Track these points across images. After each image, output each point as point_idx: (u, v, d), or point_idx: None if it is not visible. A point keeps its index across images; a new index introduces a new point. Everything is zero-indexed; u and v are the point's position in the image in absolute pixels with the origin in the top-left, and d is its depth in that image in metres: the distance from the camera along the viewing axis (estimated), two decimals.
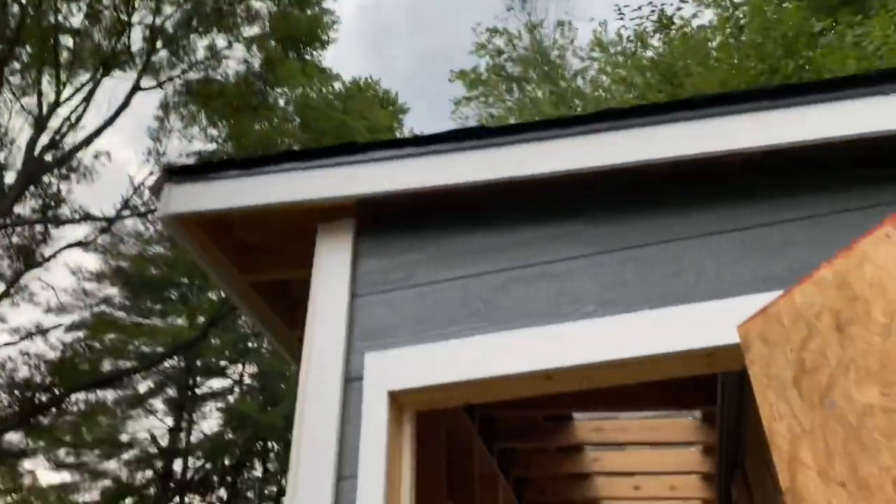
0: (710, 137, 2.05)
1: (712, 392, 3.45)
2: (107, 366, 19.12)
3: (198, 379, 23.19)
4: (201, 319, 20.13)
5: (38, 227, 16.04)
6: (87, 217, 16.34)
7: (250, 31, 17.02)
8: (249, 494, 23.41)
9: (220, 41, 16.96)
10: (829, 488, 1.43)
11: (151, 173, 16.41)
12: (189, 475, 22.14)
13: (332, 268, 2.31)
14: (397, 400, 2.10)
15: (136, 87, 16.05)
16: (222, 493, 22.71)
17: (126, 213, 16.61)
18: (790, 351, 1.58)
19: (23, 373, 16.53)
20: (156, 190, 2.43)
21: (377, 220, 2.41)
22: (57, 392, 16.84)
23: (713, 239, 2.04)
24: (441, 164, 2.25)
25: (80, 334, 18.98)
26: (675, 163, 2.08)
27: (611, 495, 5.51)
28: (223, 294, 17.87)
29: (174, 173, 2.44)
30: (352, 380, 2.12)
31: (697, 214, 2.10)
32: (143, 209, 16.61)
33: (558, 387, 2.05)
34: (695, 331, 1.89)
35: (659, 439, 4.45)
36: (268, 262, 2.79)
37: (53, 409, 17.32)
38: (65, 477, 20.97)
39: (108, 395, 19.97)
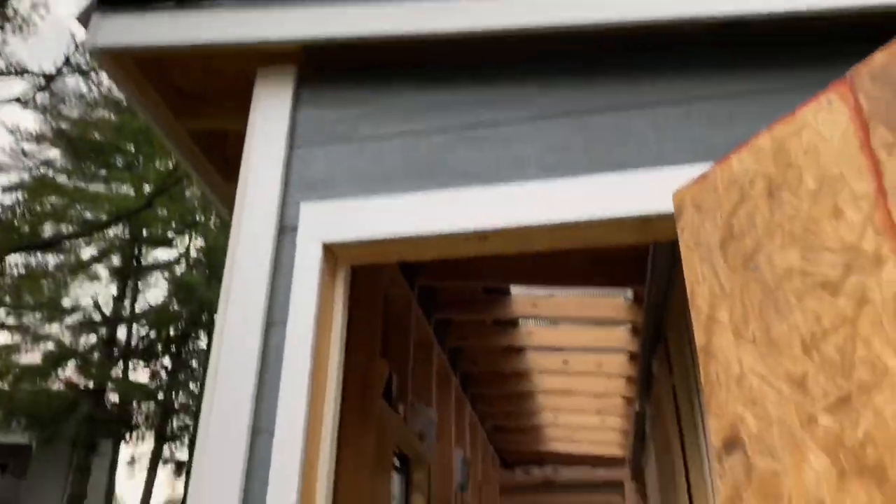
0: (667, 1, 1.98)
1: (645, 271, 3.53)
2: (48, 230, 18.70)
3: (143, 249, 22.93)
4: (148, 189, 19.65)
5: None
6: (23, 71, 15.48)
7: None
8: (194, 363, 23.73)
9: None
10: (740, 346, 1.48)
11: None
12: (133, 343, 22.27)
13: (271, 113, 2.21)
14: (332, 252, 2.08)
15: None
16: (166, 361, 22.97)
17: (67, 70, 15.79)
18: (720, 217, 1.59)
19: None
20: (84, 19, 2.27)
21: (320, 69, 2.31)
22: None
23: (659, 109, 2.01)
24: (390, 11, 2.13)
25: (19, 195, 18.42)
26: (622, 28, 2.01)
27: (541, 368, 5.75)
28: (170, 165, 17.41)
29: (103, 3, 2.28)
30: (286, 229, 2.09)
31: (645, 84, 2.06)
32: (86, 67, 15.79)
33: (493, 247, 2.05)
34: (632, 198, 1.88)
35: (591, 316, 4.59)
36: (206, 110, 2.68)
37: None
38: (5, 338, 20.91)
39: (50, 259, 19.67)
